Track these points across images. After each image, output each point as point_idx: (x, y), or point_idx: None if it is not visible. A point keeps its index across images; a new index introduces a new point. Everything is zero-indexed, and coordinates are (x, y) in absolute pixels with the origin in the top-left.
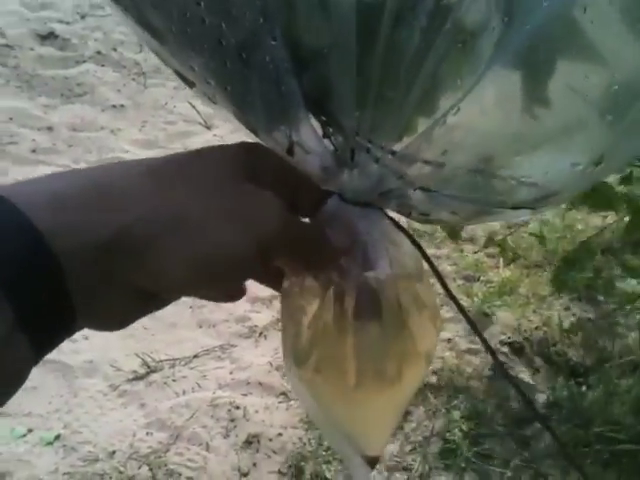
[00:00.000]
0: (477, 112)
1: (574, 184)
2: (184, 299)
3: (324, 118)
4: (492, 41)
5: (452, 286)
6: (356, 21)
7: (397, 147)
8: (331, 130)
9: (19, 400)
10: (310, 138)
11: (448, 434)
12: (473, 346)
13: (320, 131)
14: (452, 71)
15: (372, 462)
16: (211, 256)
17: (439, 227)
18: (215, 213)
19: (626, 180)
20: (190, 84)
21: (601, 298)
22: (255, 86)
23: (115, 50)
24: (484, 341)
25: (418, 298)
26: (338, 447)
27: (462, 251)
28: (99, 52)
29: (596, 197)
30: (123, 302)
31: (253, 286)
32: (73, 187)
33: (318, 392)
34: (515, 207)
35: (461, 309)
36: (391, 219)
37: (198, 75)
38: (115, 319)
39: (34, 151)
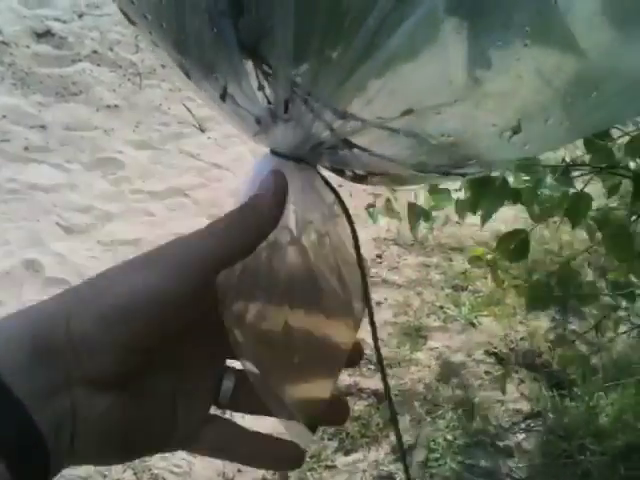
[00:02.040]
0: (409, 63)
1: (492, 148)
2: None
3: (259, 67)
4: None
5: (440, 295)
6: None
7: (330, 100)
8: (266, 79)
9: None
10: (244, 88)
11: (433, 443)
12: (459, 356)
13: (255, 81)
14: (394, 26)
15: (312, 427)
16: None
17: (429, 236)
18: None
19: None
20: (132, 22)
21: (587, 310)
22: (188, 25)
23: (111, 50)
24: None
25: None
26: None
27: (451, 260)
28: (95, 51)
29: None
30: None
31: None
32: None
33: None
34: (440, 170)
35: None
36: (321, 176)
37: (137, 9)
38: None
39: (27, 149)
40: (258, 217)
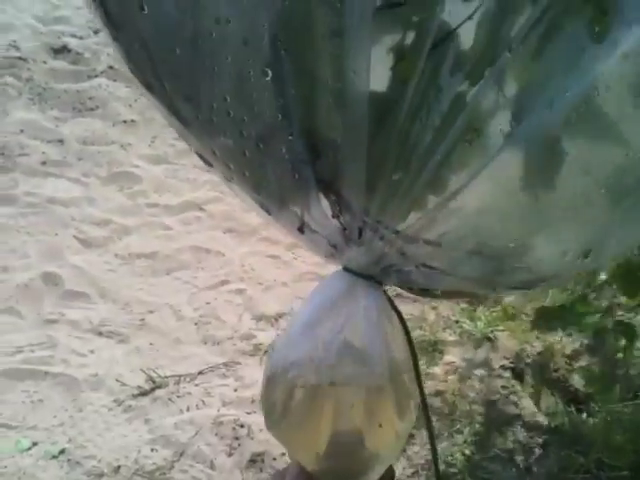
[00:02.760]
0: (478, 199)
1: (564, 272)
2: (189, 313)
3: (334, 199)
4: (500, 138)
5: (456, 309)
6: (369, 114)
7: (401, 227)
8: (340, 210)
9: (24, 413)
10: (320, 217)
11: (450, 458)
12: (476, 371)
13: (330, 212)
14: (459, 163)
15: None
16: None
17: None
18: None
19: None
20: (209, 164)
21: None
22: (271, 173)
23: None
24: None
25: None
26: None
27: None
28: (111, 67)
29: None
30: None
31: (259, 304)
32: None
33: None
34: (510, 288)
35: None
36: (388, 297)
37: (219, 159)
38: None
39: (44, 163)
40: None
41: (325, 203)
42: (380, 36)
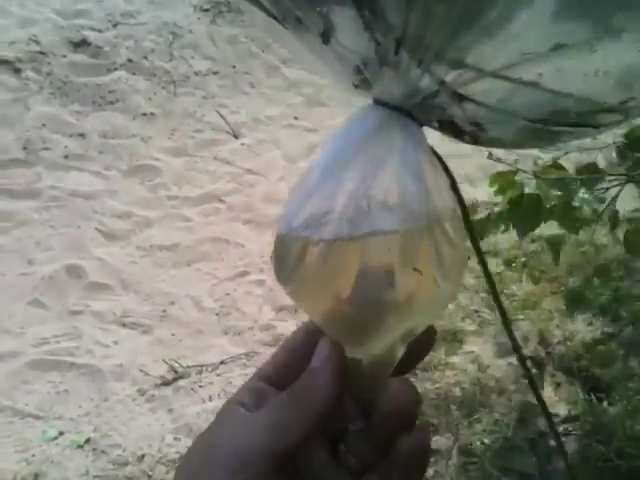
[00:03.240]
0: (525, 19)
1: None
2: (210, 304)
3: (366, 11)
4: None
5: (475, 299)
6: None
7: (443, 50)
8: (375, 20)
9: (50, 403)
10: (350, 28)
11: (470, 446)
12: (496, 360)
13: (362, 23)
14: None
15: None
16: None
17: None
18: None
19: None
20: None
21: (624, 314)
22: None
23: (146, 58)
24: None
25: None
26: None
27: None
28: (130, 60)
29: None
30: None
31: (278, 295)
32: None
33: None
34: (563, 125)
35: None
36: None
37: None
38: None
39: (66, 157)
40: (315, 402)
41: (355, 12)
42: None
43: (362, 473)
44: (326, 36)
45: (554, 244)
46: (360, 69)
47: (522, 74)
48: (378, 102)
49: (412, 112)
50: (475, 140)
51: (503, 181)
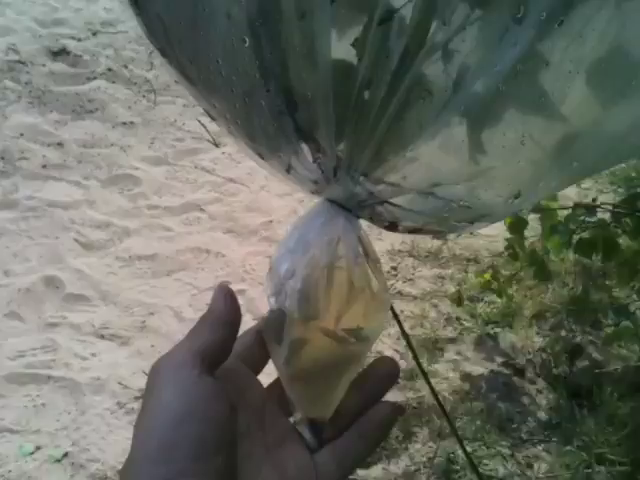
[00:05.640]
0: (429, 150)
1: (499, 210)
2: (190, 315)
3: (313, 146)
4: (445, 97)
5: (456, 307)
6: (333, 75)
7: (368, 170)
8: (318, 155)
9: (27, 417)
10: (303, 161)
11: (452, 455)
12: (477, 368)
13: (310, 157)
14: (411, 119)
15: (313, 424)
16: None
17: (444, 247)
18: None
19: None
20: (212, 118)
21: (603, 321)
22: (257, 123)
23: (126, 67)
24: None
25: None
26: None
27: (466, 271)
28: (110, 69)
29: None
30: None
31: (259, 304)
32: None
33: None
34: (457, 222)
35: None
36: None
37: (218, 111)
38: None
39: (44, 167)
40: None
41: (306, 149)
42: (341, 17)
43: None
44: (288, 170)
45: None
46: (315, 183)
47: (424, 189)
48: (329, 200)
49: (351, 209)
50: (395, 228)
51: None
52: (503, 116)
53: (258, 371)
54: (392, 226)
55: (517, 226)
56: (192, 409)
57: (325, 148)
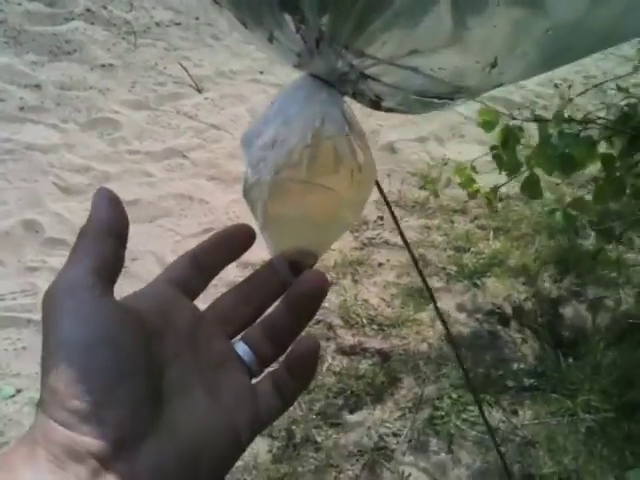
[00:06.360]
0: (408, 17)
1: (477, 80)
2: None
3: (296, 17)
4: None
5: (443, 256)
6: None
7: (350, 42)
8: (301, 25)
9: (7, 361)
10: (286, 32)
11: (438, 401)
12: (462, 316)
13: (293, 27)
14: None
15: (293, 267)
16: None
17: (430, 198)
18: None
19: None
20: None
21: (589, 273)
22: None
23: (105, 8)
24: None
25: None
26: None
27: (453, 222)
28: (88, 9)
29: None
30: None
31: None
32: None
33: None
34: (438, 97)
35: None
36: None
37: None
38: None
39: (22, 109)
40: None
41: (289, 19)
42: None
43: (257, 371)
44: (270, 39)
45: (531, 183)
46: (297, 56)
47: (406, 63)
48: (312, 75)
49: (334, 84)
50: (377, 106)
51: (491, 115)
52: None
53: (194, 296)
54: (375, 104)
55: (507, 136)
56: (98, 335)
57: (308, 18)
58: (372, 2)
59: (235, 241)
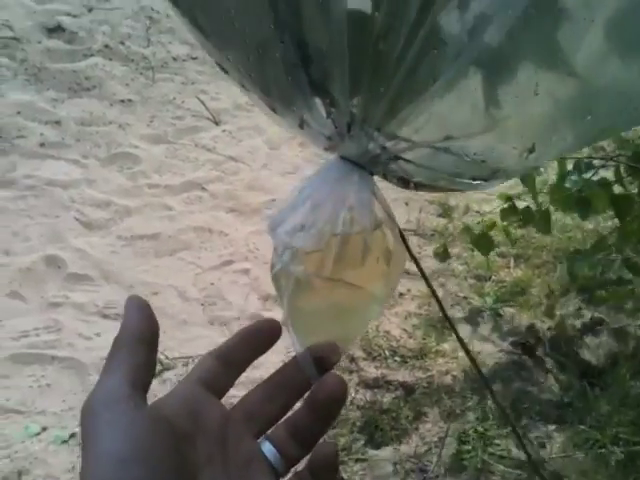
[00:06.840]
0: (443, 102)
1: (514, 165)
2: (194, 294)
3: (327, 101)
4: (460, 47)
5: (464, 285)
6: (347, 27)
7: (382, 125)
8: (331, 110)
9: (32, 398)
10: (316, 116)
11: (463, 435)
12: (486, 347)
13: (324, 112)
14: (425, 70)
15: (318, 364)
16: None
17: (449, 226)
18: None
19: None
20: (225, 71)
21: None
22: (270, 75)
23: (123, 44)
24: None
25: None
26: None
27: (473, 250)
28: (107, 45)
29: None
30: None
31: (264, 284)
32: None
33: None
34: (472, 179)
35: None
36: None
37: (231, 64)
38: None
39: (42, 145)
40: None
41: (320, 104)
42: None
43: (283, 471)
44: (301, 125)
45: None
46: (328, 139)
47: (438, 143)
48: (342, 157)
49: (365, 166)
50: (406, 185)
51: None
52: (517, 67)
53: (222, 394)
54: (403, 182)
55: (529, 179)
56: (132, 448)
57: (339, 102)
58: (406, 85)
59: (262, 336)
